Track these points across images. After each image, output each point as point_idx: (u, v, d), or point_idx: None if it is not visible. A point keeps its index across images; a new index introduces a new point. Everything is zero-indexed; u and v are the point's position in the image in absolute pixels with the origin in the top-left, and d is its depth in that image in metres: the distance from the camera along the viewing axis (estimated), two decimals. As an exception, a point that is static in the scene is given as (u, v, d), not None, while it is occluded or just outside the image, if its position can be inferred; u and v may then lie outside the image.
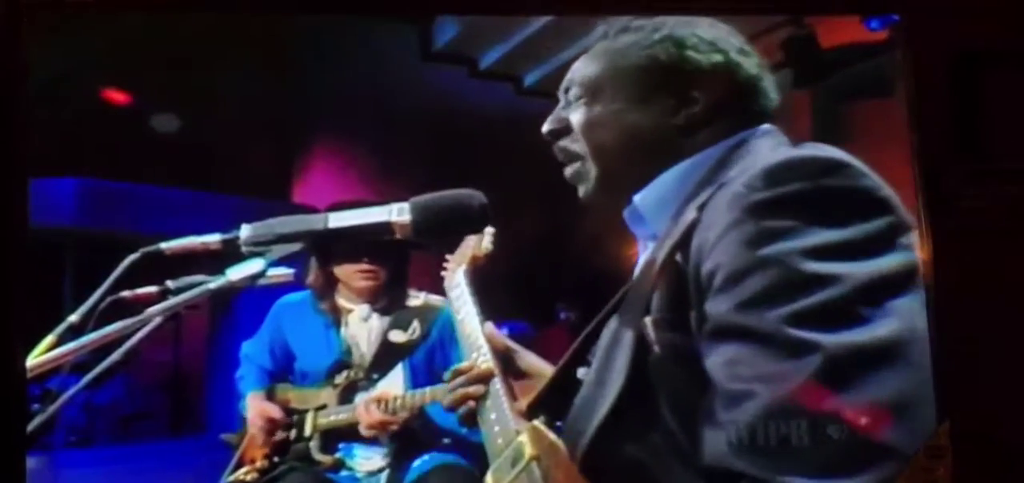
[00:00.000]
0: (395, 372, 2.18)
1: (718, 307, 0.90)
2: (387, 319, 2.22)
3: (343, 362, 2.19)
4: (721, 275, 0.90)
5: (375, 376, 2.17)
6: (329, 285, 2.22)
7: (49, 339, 0.98)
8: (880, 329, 0.84)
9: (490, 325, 1.41)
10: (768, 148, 1.05)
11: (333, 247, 2.15)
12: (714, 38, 1.13)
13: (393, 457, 2.13)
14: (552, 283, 3.83)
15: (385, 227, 1.08)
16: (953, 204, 1.47)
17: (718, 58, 1.12)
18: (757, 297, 0.87)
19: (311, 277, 2.22)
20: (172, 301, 1.01)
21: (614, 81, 1.14)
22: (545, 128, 1.20)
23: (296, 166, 4.36)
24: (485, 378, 1.31)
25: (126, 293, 1.07)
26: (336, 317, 2.22)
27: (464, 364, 1.37)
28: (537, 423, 1.16)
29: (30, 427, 0.99)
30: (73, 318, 1.00)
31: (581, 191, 1.17)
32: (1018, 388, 1.48)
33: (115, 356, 0.98)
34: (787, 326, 0.84)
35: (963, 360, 1.38)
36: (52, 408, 0.98)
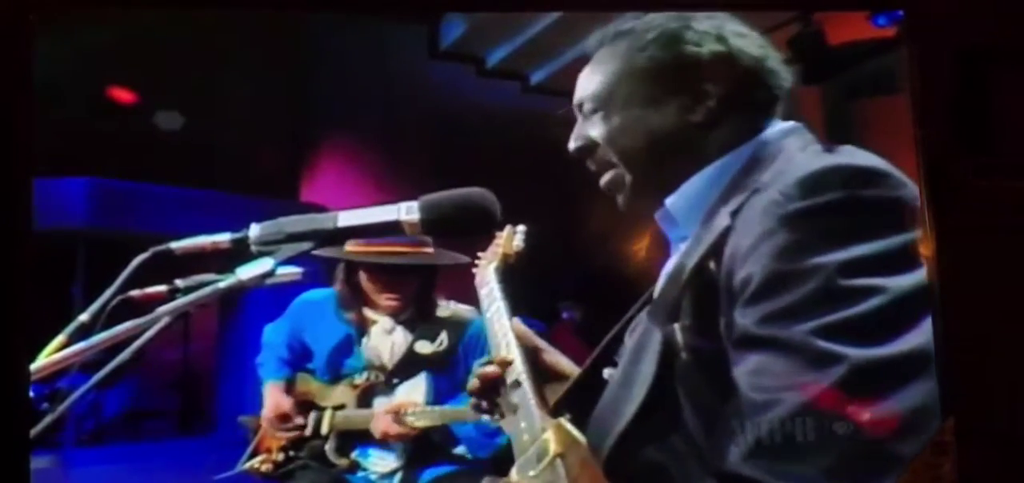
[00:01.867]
0: (417, 379, 2.16)
1: (748, 316, 0.90)
2: (413, 332, 2.20)
3: (360, 368, 2.18)
4: (754, 285, 0.90)
5: (396, 381, 2.16)
6: (355, 296, 2.21)
7: (59, 339, 0.98)
8: (908, 343, 0.84)
9: (518, 321, 1.42)
10: (799, 150, 1.04)
11: (360, 265, 2.13)
12: (709, 27, 1.13)
13: (407, 460, 2.13)
14: (559, 281, 3.82)
15: (394, 226, 1.08)
16: (958, 199, 1.46)
17: (717, 46, 1.11)
18: (789, 309, 0.87)
19: (338, 286, 2.21)
20: (181, 300, 1.01)
21: (623, 87, 1.14)
22: (571, 146, 1.19)
23: (303, 165, 4.36)
24: (507, 363, 1.32)
25: (135, 292, 1.07)
26: (360, 328, 2.21)
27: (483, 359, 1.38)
28: (562, 421, 1.16)
29: (40, 426, 0.99)
30: (83, 318, 1.01)
31: (619, 200, 1.17)
32: (1023, 383, 1.47)
33: (124, 355, 0.98)
34: (816, 338, 0.84)
35: (968, 355, 1.38)
36: (61, 407, 0.99)
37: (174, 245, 1.08)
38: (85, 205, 3.18)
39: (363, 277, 2.18)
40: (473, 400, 1.34)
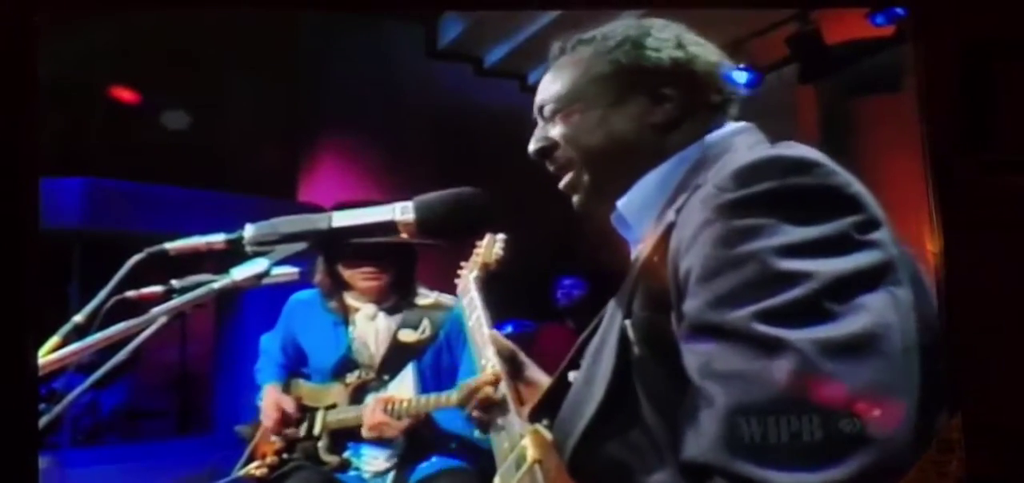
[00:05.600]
0: (406, 373, 2.18)
1: (692, 306, 0.91)
2: (395, 318, 2.22)
3: (351, 360, 2.20)
4: (694, 274, 0.91)
5: (386, 377, 2.18)
6: (336, 285, 2.22)
7: (54, 340, 0.98)
8: (850, 325, 0.84)
9: (494, 332, 1.43)
10: (745, 148, 1.06)
11: (339, 248, 2.15)
12: (669, 36, 1.15)
13: (399, 459, 2.13)
14: (555, 280, 3.83)
15: (389, 226, 1.08)
16: (964, 195, 1.46)
17: (677, 53, 1.14)
18: (728, 295, 0.88)
19: (318, 277, 2.23)
20: (177, 301, 1.01)
21: (586, 90, 1.16)
22: (531, 148, 1.20)
23: (302, 164, 4.36)
24: (496, 382, 1.33)
25: (131, 293, 1.07)
26: (344, 316, 2.22)
27: (474, 379, 1.39)
28: (539, 427, 1.17)
29: (43, 421, 0.99)
30: (78, 318, 1.00)
31: (575, 201, 1.18)
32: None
33: (120, 356, 0.97)
34: (756, 323, 0.85)
35: (974, 352, 1.38)
36: (58, 407, 0.98)
37: (169, 246, 1.08)
38: (81, 205, 3.18)
39: (341, 265, 2.19)
40: (475, 418, 1.36)
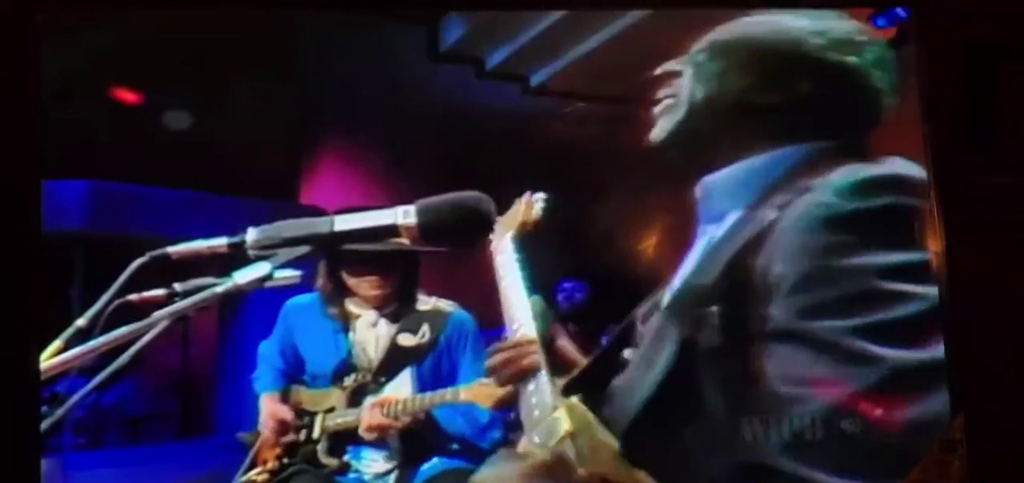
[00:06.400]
0: (403, 376, 2.18)
1: (782, 310, 0.91)
2: (396, 324, 2.21)
3: (349, 365, 2.20)
4: (790, 280, 0.91)
5: (383, 379, 2.18)
6: (338, 291, 2.22)
7: (56, 344, 0.98)
8: (936, 352, 0.85)
9: (538, 299, 1.43)
10: (854, 160, 1.04)
11: (342, 255, 2.15)
12: (840, 33, 1.14)
13: (400, 460, 2.13)
14: (556, 283, 3.82)
15: (392, 230, 1.08)
16: (966, 196, 1.46)
17: (833, 55, 1.12)
18: (825, 306, 0.88)
19: (320, 282, 2.22)
20: (179, 304, 1.01)
21: (738, 53, 1.15)
22: (659, 69, 1.19)
23: (303, 167, 4.36)
24: (527, 345, 1.33)
25: (133, 296, 1.07)
26: (345, 322, 2.22)
27: (509, 339, 1.38)
28: (576, 400, 1.17)
29: (46, 423, 0.99)
30: (80, 322, 1.01)
31: (658, 129, 1.17)
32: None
33: (123, 359, 0.98)
34: (853, 337, 0.85)
35: (977, 352, 1.38)
36: (60, 411, 0.98)
37: (171, 249, 1.08)
38: (83, 208, 3.18)
39: (345, 272, 2.19)
40: (495, 376, 1.35)
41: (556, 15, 3.55)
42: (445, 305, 2.23)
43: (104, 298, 1.03)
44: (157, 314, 0.99)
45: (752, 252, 0.98)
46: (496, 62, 4.51)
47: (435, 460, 2.13)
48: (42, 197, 1.46)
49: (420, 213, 1.07)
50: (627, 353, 1.17)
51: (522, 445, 1.24)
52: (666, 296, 1.10)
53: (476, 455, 2.09)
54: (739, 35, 1.15)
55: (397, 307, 2.22)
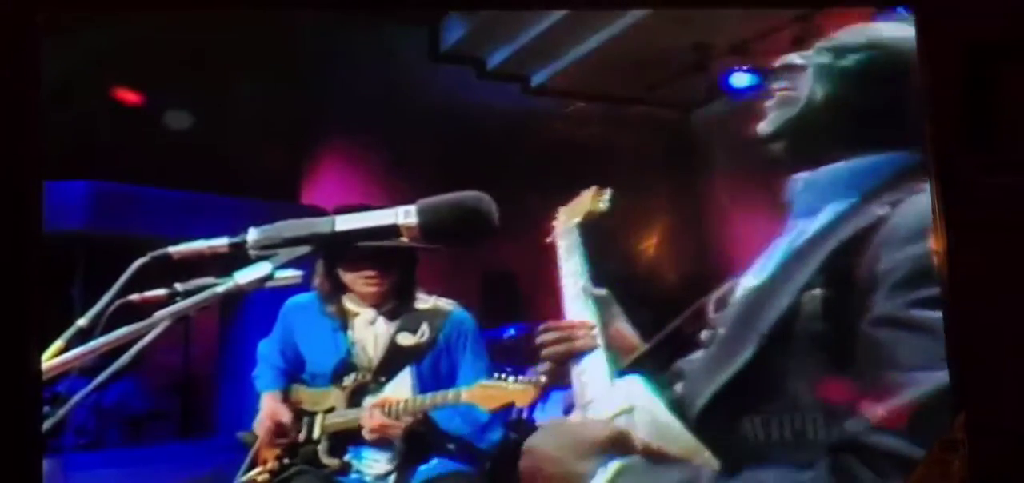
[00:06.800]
0: (403, 375, 2.18)
1: (891, 300, 0.94)
2: (395, 323, 2.21)
3: (349, 364, 2.20)
4: (902, 272, 0.94)
5: (383, 379, 2.18)
6: (336, 289, 2.22)
7: (57, 344, 0.98)
8: None
9: (598, 290, 1.47)
10: None
11: (339, 252, 2.15)
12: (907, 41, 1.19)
13: (400, 461, 2.13)
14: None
15: (392, 230, 1.08)
16: (968, 195, 1.46)
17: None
18: (932, 299, 0.93)
19: (317, 281, 2.23)
20: (180, 305, 1.01)
21: (860, 57, 1.20)
22: (776, 63, 1.23)
23: (304, 167, 4.36)
24: (583, 327, 1.38)
25: (135, 297, 1.07)
26: (343, 320, 2.22)
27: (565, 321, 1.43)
28: (637, 377, 1.19)
29: (47, 424, 0.99)
30: (82, 322, 1.01)
31: (769, 121, 1.19)
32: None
33: (124, 359, 0.98)
34: None
35: (978, 352, 1.38)
36: (62, 411, 0.98)
37: (172, 250, 1.08)
38: (84, 208, 3.18)
39: (341, 269, 2.19)
40: (546, 353, 1.39)
41: (556, 15, 3.55)
42: (445, 304, 2.23)
43: (105, 298, 1.03)
44: (158, 314, 0.99)
45: (859, 244, 1.00)
46: (497, 62, 4.51)
47: (434, 461, 2.13)
48: (43, 197, 1.47)
49: (420, 213, 1.08)
50: (704, 335, 1.19)
51: (576, 417, 1.26)
52: (746, 283, 1.12)
53: (474, 456, 2.09)
54: (867, 40, 1.18)
55: (395, 305, 2.22)
